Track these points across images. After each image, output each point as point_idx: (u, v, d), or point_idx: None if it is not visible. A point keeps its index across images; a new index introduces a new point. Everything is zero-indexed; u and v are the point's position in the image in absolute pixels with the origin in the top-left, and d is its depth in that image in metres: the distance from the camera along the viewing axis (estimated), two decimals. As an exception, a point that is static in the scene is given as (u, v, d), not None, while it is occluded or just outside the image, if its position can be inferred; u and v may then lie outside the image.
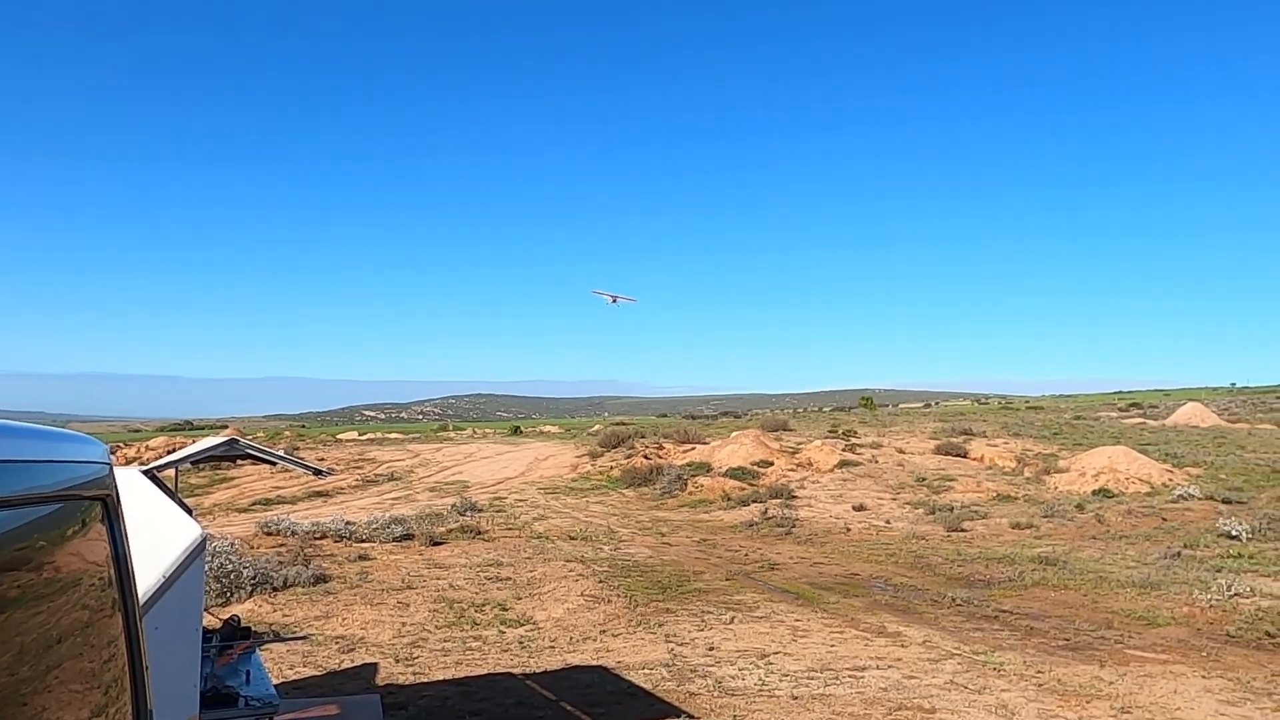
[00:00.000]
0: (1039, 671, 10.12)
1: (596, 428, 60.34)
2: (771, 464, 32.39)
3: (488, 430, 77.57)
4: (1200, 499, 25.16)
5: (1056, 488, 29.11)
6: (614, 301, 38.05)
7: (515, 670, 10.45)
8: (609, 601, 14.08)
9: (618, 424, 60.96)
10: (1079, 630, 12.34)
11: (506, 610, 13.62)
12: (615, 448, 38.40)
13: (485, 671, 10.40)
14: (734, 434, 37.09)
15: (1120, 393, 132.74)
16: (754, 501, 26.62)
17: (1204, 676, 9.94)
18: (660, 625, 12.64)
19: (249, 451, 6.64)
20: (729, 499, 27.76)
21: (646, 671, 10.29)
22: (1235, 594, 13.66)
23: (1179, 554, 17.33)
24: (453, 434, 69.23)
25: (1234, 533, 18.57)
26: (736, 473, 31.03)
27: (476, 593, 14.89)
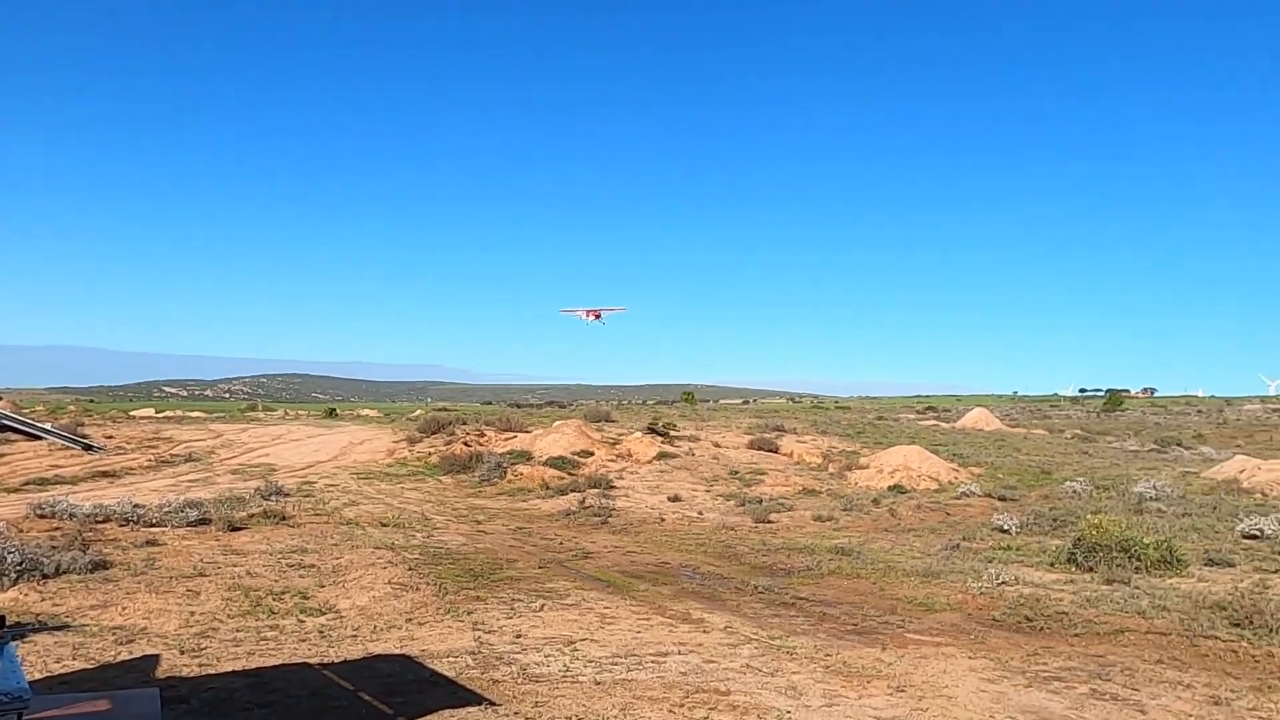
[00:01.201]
0: (828, 654, 10.73)
1: (418, 413, 58.90)
2: (592, 454, 32.69)
3: (301, 412, 74.15)
4: (980, 496, 27.44)
5: (857, 483, 30.97)
6: (596, 319, 31.31)
7: (313, 660, 10.06)
8: (417, 589, 13.80)
9: (440, 410, 59.77)
10: (866, 616, 13.18)
11: (308, 598, 13.08)
12: (435, 434, 37.63)
13: (280, 662, 9.95)
14: (556, 423, 37.17)
15: (920, 397, 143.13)
16: (573, 491, 26.79)
17: (970, 657, 10.85)
18: (469, 613, 12.51)
19: (4, 423, 6.01)
20: (548, 488, 27.80)
21: (451, 659, 10.16)
22: (1002, 582, 14.98)
23: (958, 546, 18.82)
24: (262, 415, 65.72)
25: (1005, 527, 20.37)
26: (557, 462, 31.11)
27: (276, 580, 14.22)
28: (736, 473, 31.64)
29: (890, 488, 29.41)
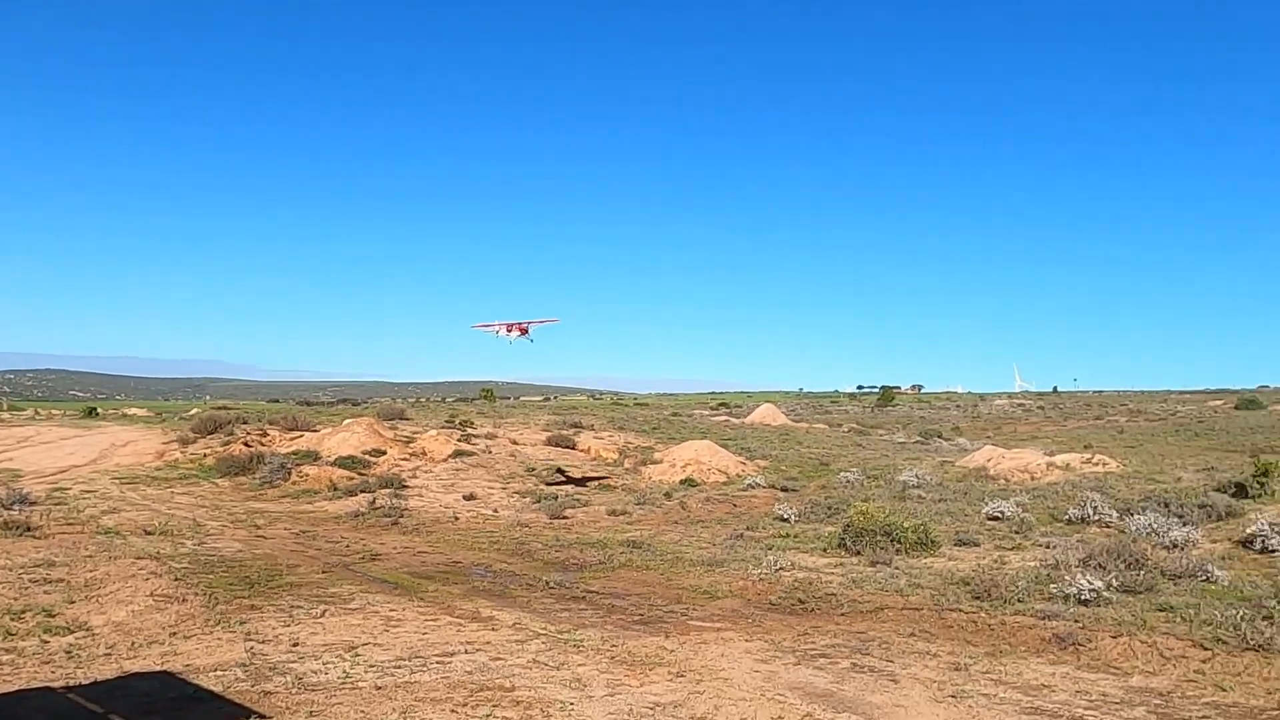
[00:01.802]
0: (613, 645, 10.97)
1: (194, 411, 54.83)
2: (385, 453, 31.69)
3: (55, 411, 67.10)
4: (765, 488, 28.94)
5: (650, 478, 31.80)
6: (522, 335, 27.68)
7: (56, 684, 9.15)
8: (184, 600, 12.86)
9: (219, 409, 55.91)
10: (653, 606, 13.58)
11: (53, 616, 11.88)
12: (212, 434, 35.16)
13: (16, 688, 8.99)
14: (347, 421, 35.73)
15: (714, 393, 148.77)
16: (363, 491, 25.87)
17: (747, 640, 11.43)
18: (242, 623, 11.80)
19: None
20: (336, 489, 26.69)
21: (219, 673, 9.55)
22: (780, 568, 15.88)
23: (742, 535, 19.75)
24: (7, 415, 58.91)
25: (785, 516, 21.59)
26: (346, 462, 29.92)
27: (16, 598, 12.81)
28: (533, 469, 31.66)
29: (682, 481, 30.43)
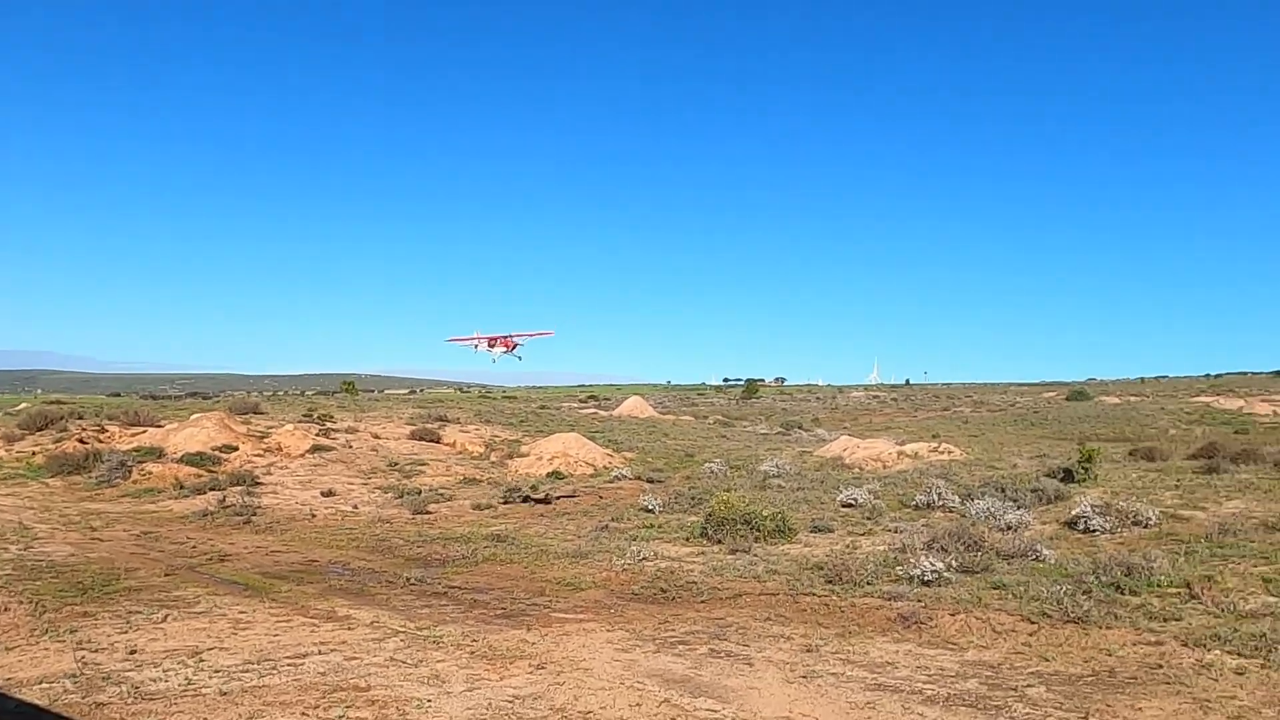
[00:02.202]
0: (474, 640, 10.86)
1: (21, 406, 50.79)
2: (236, 449, 30.26)
3: None
4: (631, 479, 29.20)
5: (517, 471, 31.58)
6: (508, 351, 25.27)
7: None
8: (6, 610, 11.94)
9: (51, 403, 52.01)
10: (516, 600, 13.51)
11: None
12: (42, 430, 32.70)
13: None
14: (195, 416, 33.90)
15: (583, 386, 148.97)
16: (212, 489, 24.62)
17: (609, 630, 11.53)
18: (73, 632, 11.05)
19: None
20: (182, 487, 25.31)
21: (45, 686, 8.92)
22: (643, 558, 16.09)
23: (607, 527, 19.89)
24: None
25: (650, 507, 21.86)
26: (194, 458, 28.41)
27: None
28: (396, 464, 30.91)
29: (549, 474, 30.36)
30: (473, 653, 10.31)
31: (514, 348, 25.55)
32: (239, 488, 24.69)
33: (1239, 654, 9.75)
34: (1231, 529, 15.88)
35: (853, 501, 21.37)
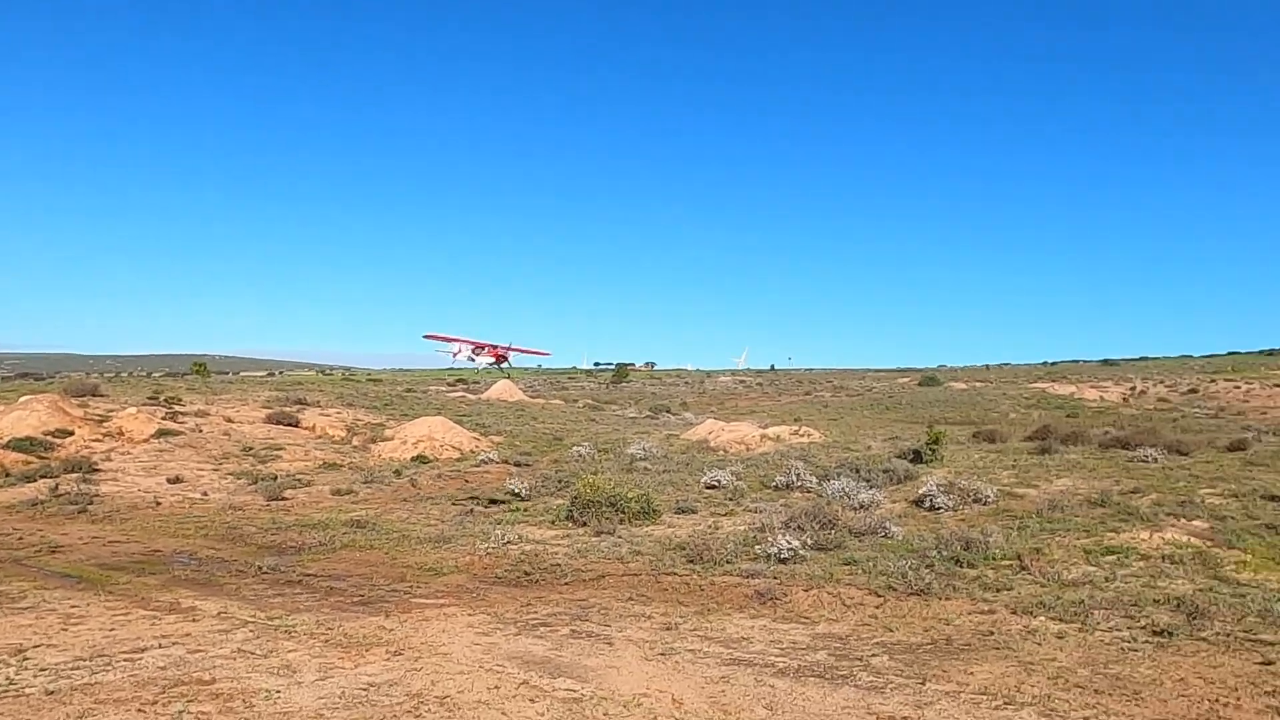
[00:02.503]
0: (329, 629, 10.55)
1: None
2: (72, 433, 28.27)
3: None
4: (498, 463, 28.92)
5: (381, 455, 30.80)
6: (497, 363, 22.13)
7: None
8: None
9: None
10: (375, 586, 13.20)
11: None
12: None
13: None
14: (24, 398, 31.44)
15: (451, 369, 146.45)
16: (43, 476, 22.95)
17: (470, 614, 11.43)
18: (-126, 633, 10.12)
19: None
20: (9, 475, 23.47)
21: None
22: (508, 542, 16.00)
23: (472, 511, 19.67)
24: None
25: (516, 490, 21.75)
26: (24, 444, 26.37)
27: None
28: (250, 449, 29.59)
29: (414, 458, 29.74)
30: (327, 641, 10.02)
31: (502, 360, 23.95)
32: (74, 475, 23.11)
33: (1060, 620, 10.54)
34: (1059, 505, 17.11)
35: (716, 483, 21.86)
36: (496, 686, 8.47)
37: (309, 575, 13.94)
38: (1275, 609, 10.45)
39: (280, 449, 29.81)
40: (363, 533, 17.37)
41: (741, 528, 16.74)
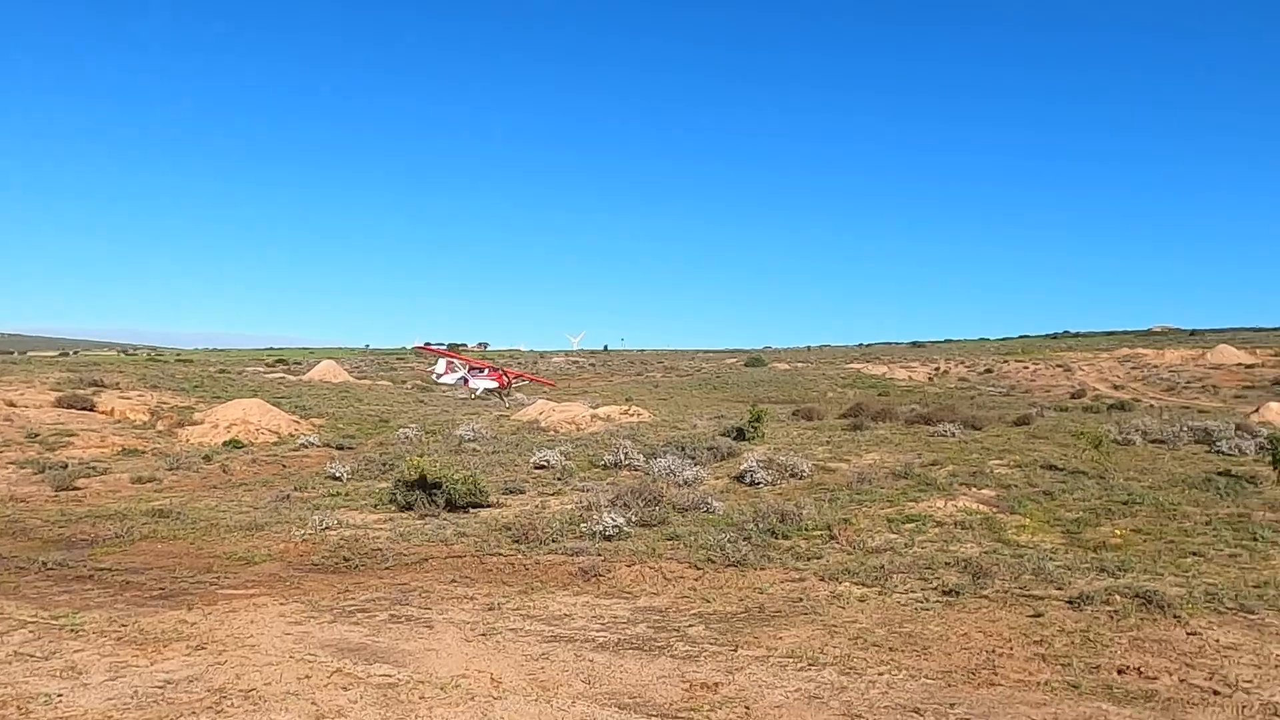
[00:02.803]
0: (122, 625, 9.84)
1: None
2: None
3: None
4: (319, 446, 27.81)
5: (189, 440, 28.93)
6: (500, 391, 17.98)
7: None
8: None
9: None
10: (178, 578, 12.41)
11: None
12: None
13: None
14: None
15: (271, 349, 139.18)
16: None
17: (282, 603, 10.94)
18: None
19: None
20: None
21: None
22: (326, 527, 15.41)
23: (289, 497, 18.81)
24: None
25: (337, 474, 20.99)
26: None
27: None
28: (37, 435, 27.08)
29: (226, 443, 28.12)
30: (120, 639, 9.33)
31: (508, 384, 21.41)
32: None
33: (863, 584, 11.23)
34: (867, 478, 18.21)
35: (545, 463, 21.88)
36: (307, 676, 8.16)
37: (102, 569, 12.93)
38: (1047, 567, 11.54)
39: (72, 435, 27.45)
40: (166, 522, 16.26)
41: (569, 507, 16.84)
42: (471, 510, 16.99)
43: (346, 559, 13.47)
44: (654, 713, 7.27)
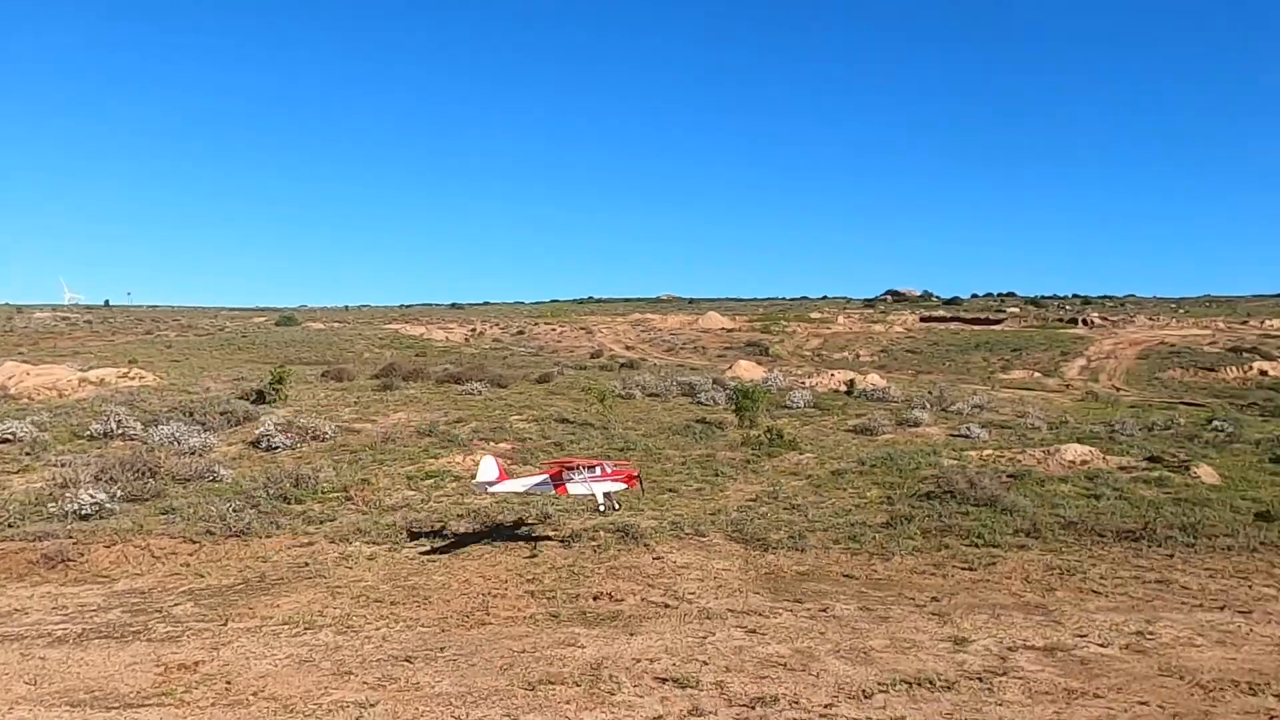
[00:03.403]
0: None
1: None
2: None
3: None
4: None
5: None
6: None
7: None
8: None
9: None
10: None
11: None
12: None
13: None
14: None
15: None
16: None
17: None
18: None
19: None
20: None
21: None
22: None
23: None
24: None
25: None
26: None
27: None
28: None
29: None
30: None
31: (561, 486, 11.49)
32: None
33: (374, 543, 11.22)
34: (393, 437, 18.19)
35: (10, 436, 18.49)
36: None
37: None
38: (548, 511, 12.52)
39: None
40: None
41: (39, 485, 14.47)
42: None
43: None
44: (116, 704, 6.53)
